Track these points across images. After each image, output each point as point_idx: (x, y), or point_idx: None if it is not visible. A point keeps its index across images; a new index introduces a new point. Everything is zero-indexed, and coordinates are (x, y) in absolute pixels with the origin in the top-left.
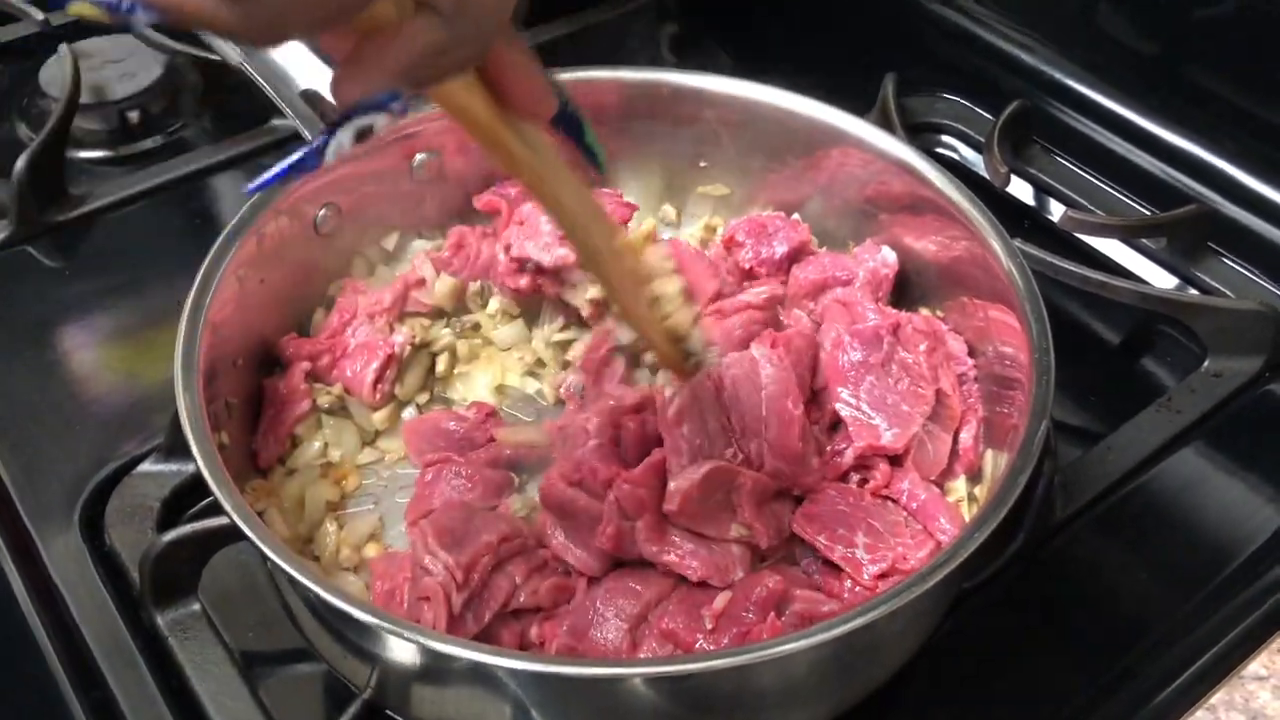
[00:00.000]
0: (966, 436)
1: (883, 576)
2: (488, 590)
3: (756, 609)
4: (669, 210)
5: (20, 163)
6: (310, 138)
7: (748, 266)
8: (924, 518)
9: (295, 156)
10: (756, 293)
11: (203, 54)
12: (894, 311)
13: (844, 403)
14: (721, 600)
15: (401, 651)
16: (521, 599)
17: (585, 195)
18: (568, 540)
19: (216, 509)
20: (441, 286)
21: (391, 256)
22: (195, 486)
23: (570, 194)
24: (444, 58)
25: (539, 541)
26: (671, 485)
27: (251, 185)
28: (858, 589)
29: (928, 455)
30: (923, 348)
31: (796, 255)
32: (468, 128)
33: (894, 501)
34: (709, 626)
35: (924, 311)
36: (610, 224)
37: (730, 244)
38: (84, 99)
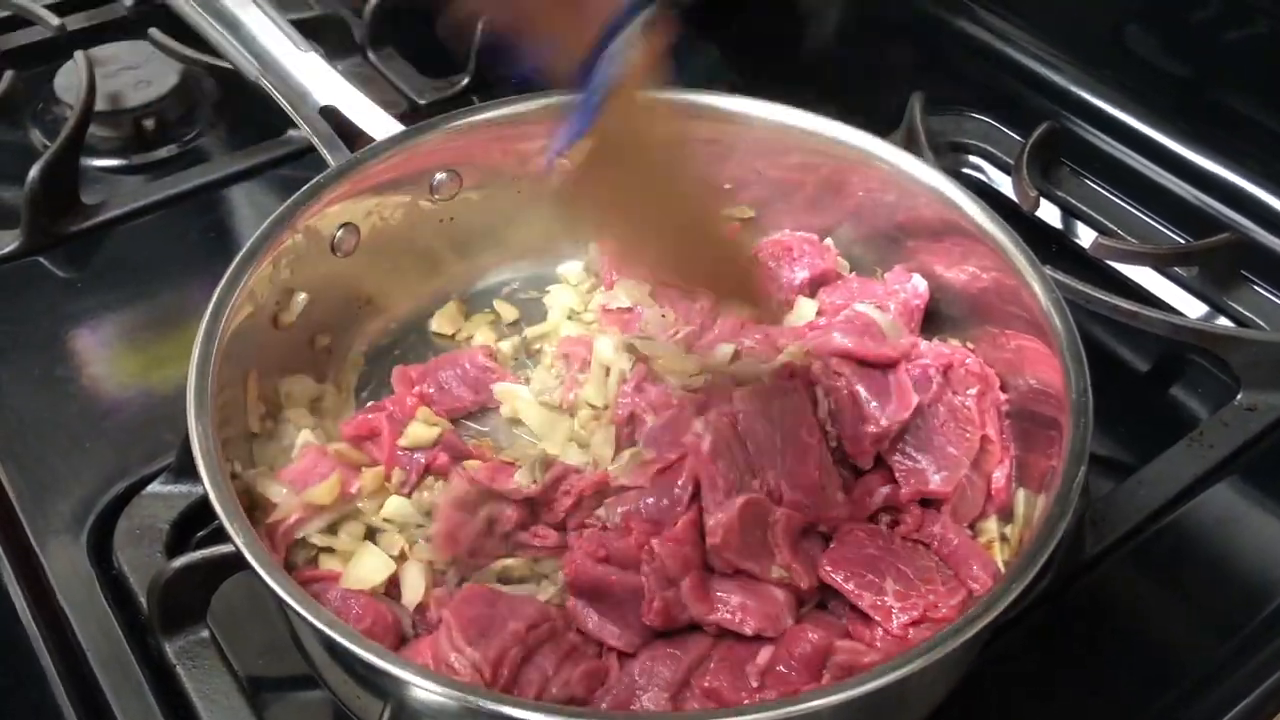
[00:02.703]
0: (999, 476)
1: (913, 624)
2: (518, 686)
3: (800, 664)
4: None
5: (34, 171)
6: (327, 155)
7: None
8: (956, 564)
9: (574, 117)
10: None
11: (219, 62)
12: (948, 350)
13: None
14: (765, 656)
15: (418, 695)
16: (554, 691)
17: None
18: (603, 620)
19: (225, 532)
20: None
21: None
22: (205, 508)
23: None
24: None
25: (568, 624)
26: (711, 521)
27: (550, 154)
28: (888, 636)
29: (966, 500)
30: (973, 391)
31: (821, 280)
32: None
33: (925, 545)
34: (755, 684)
35: (954, 342)
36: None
37: None
38: (99, 106)
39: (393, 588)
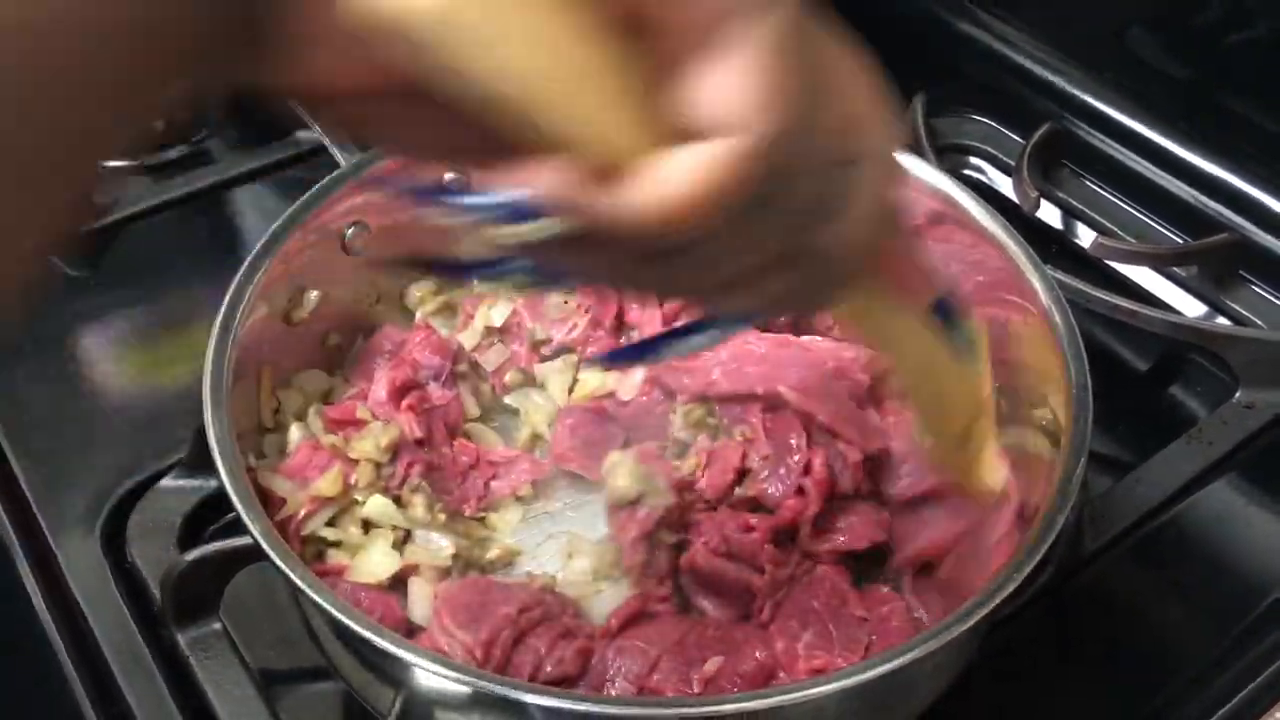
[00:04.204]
0: None
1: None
2: (511, 667)
3: (744, 681)
4: None
5: None
6: (338, 155)
7: None
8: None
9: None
10: None
11: None
12: None
13: None
14: (713, 666)
15: (430, 682)
16: (549, 670)
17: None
18: (711, 603)
19: (239, 525)
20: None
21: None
22: (218, 502)
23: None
24: (796, 301)
25: (562, 607)
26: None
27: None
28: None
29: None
30: None
31: None
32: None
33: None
34: (696, 690)
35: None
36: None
37: None
38: None
39: (398, 583)
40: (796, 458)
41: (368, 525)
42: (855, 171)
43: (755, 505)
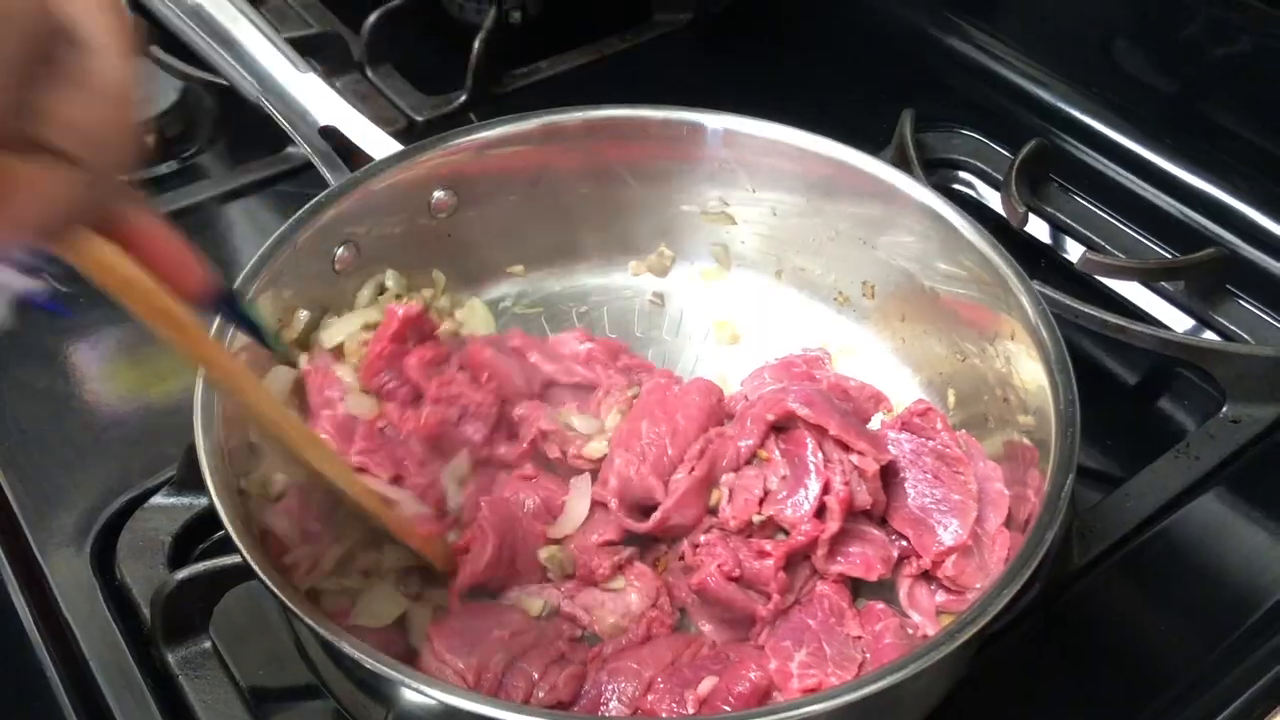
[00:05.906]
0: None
1: (807, 691)
2: (503, 691)
3: (738, 701)
4: (666, 253)
5: None
6: (327, 174)
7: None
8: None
9: None
10: None
11: (219, 80)
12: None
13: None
14: (707, 686)
15: (420, 701)
16: (541, 695)
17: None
18: (712, 625)
19: (229, 544)
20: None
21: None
22: (207, 520)
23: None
24: (76, 203)
25: (557, 633)
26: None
27: None
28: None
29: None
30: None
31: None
32: (128, 296)
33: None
34: (691, 710)
35: None
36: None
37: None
38: None
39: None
40: (814, 476)
41: (368, 571)
42: (75, 35)
43: (773, 529)
